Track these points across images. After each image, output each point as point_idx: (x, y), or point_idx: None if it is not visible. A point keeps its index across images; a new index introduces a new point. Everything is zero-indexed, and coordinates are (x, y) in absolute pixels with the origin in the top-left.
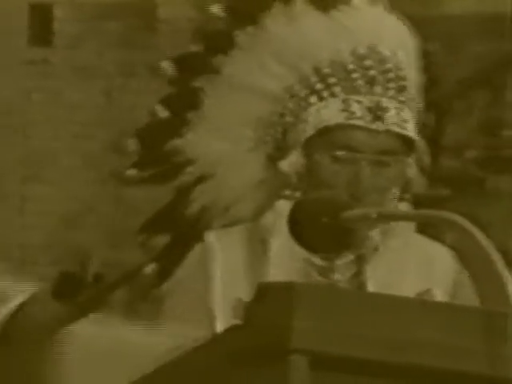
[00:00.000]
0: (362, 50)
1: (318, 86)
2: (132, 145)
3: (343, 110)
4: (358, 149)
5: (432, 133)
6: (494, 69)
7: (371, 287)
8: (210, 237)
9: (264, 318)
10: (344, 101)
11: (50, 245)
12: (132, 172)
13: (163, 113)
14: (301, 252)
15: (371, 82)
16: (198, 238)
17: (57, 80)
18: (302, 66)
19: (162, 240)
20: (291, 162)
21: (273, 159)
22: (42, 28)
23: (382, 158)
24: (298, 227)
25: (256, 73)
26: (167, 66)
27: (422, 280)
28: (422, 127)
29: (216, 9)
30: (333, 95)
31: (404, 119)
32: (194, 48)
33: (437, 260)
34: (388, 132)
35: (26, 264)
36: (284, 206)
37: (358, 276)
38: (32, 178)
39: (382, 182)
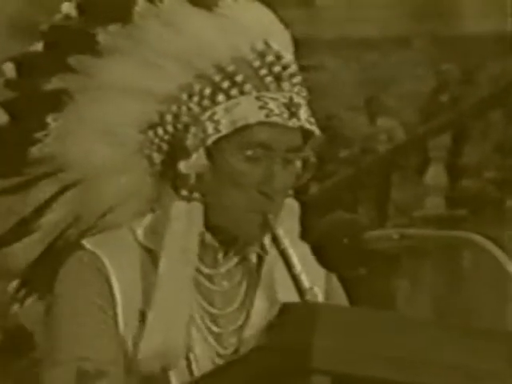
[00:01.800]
0: (260, 46)
1: (225, 84)
2: None
3: (261, 108)
4: (272, 147)
5: (450, 153)
6: (510, 89)
7: (261, 292)
8: (91, 244)
9: (286, 339)
10: (258, 98)
11: None
12: None
13: (2, 117)
14: (192, 259)
15: (278, 78)
16: (71, 247)
17: None
18: (199, 65)
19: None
20: (192, 163)
21: (164, 161)
22: None
23: (290, 156)
24: (319, 247)
25: (138, 72)
26: (8, 68)
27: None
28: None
29: (67, 8)
30: (243, 93)
31: (310, 115)
32: (37, 48)
33: (310, 260)
34: (298, 129)
35: None
36: (179, 207)
37: (245, 282)
38: None
39: (289, 179)
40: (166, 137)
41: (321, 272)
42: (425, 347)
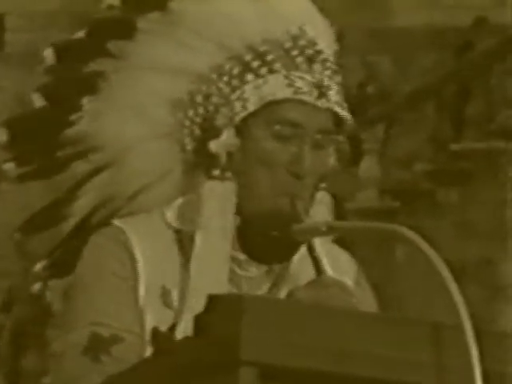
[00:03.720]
0: (294, 31)
1: (255, 63)
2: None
3: (289, 85)
4: (301, 125)
5: (381, 145)
6: (442, 82)
7: (290, 285)
8: (118, 221)
9: (214, 330)
10: (286, 76)
11: None
12: (9, 166)
13: (40, 102)
14: (229, 237)
15: (310, 59)
16: (99, 227)
17: None
18: (232, 45)
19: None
20: (222, 142)
21: (196, 145)
22: None
23: (321, 138)
24: (247, 239)
25: (171, 52)
26: (48, 54)
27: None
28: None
29: None
30: (272, 72)
31: (343, 100)
32: (79, 35)
33: (340, 258)
34: (327, 111)
35: None
36: (213, 186)
37: (276, 272)
38: None
39: (320, 164)
40: (197, 119)
41: (351, 269)
42: (352, 337)
